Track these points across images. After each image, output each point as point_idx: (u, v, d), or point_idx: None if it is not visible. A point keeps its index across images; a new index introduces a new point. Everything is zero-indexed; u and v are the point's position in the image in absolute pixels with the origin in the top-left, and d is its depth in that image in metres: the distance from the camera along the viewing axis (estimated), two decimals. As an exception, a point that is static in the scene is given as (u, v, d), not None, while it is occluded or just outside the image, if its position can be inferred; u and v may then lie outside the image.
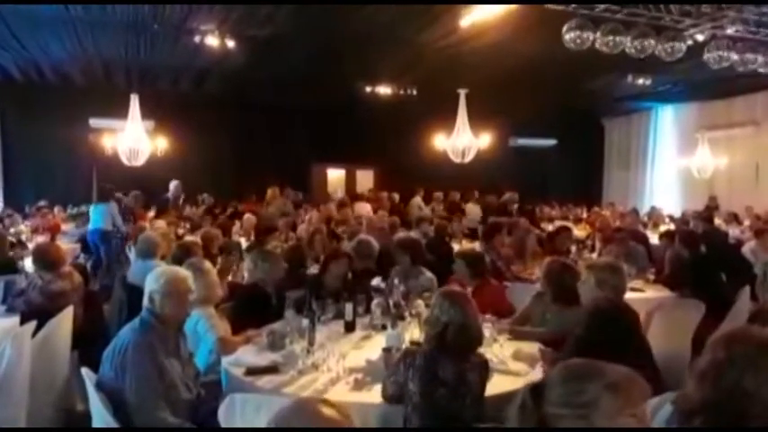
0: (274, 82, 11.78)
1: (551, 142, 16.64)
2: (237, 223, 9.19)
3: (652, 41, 7.14)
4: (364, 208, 11.76)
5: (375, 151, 14.23)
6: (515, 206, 11.24)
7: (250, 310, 3.77)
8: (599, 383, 1.51)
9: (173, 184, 10.98)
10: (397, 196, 12.91)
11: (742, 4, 7.10)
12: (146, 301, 2.82)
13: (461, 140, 11.83)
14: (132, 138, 11.41)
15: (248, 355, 3.17)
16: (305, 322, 3.24)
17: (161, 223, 8.49)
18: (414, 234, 7.93)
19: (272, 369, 2.93)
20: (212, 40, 8.55)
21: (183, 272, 3.01)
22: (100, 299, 4.76)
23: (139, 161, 11.58)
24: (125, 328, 2.78)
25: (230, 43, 8.69)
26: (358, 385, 2.78)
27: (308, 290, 3.69)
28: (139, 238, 5.42)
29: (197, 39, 8.55)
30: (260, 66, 10.47)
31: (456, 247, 7.42)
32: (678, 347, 3.78)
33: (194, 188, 11.82)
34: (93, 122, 12.88)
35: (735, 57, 7.74)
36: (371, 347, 3.30)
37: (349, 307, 3.65)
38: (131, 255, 6.61)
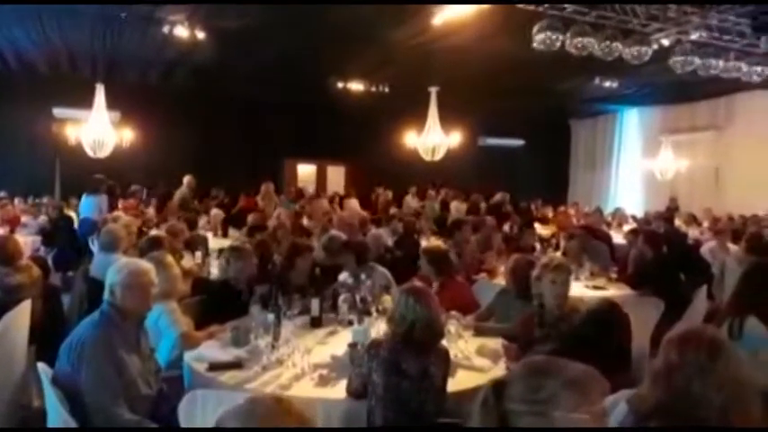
0: (245, 76, 11.65)
1: (519, 142, 16.85)
2: (204, 218, 9.07)
3: (619, 44, 7.28)
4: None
5: (347, 147, 14.20)
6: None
7: (220, 306, 3.72)
8: (557, 380, 1.52)
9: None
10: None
11: (705, 11, 7.29)
12: (106, 294, 2.76)
13: (432, 138, 11.91)
14: (97, 129, 11.15)
15: (211, 350, 3.13)
16: (270, 317, 3.22)
17: (125, 216, 8.31)
18: (383, 231, 7.98)
19: (235, 365, 2.90)
20: (182, 32, 8.39)
21: (146, 264, 2.96)
22: (59, 292, 4.64)
23: (104, 153, 11.32)
24: (83, 322, 2.71)
25: (200, 35, 8.54)
26: (323, 381, 2.77)
27: (274, 285, 3.66)
28: (102, 230, 5.29)
29: (166, 29, 8.37)
30: (230, 59, 10.33)
31: (424, 243, 7.46)
32: (638, 345, 3.86)
33: (160, 181, 11.60)
34: (57, 112, 12.53)
35: (698, 62, 7.95)
36: (337, 343, 3.30)
37: (315, 302, 3.64)
38: (94, 248, 6.46)
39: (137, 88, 12.37)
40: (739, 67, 8.50)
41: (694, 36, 7.92)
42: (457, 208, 11.45)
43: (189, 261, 5.85)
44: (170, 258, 3.58)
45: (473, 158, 15.16)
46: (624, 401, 1.90)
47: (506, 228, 9.14)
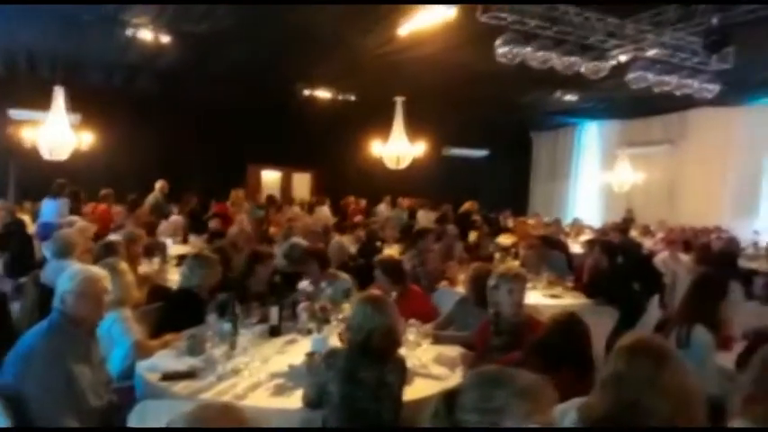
0: (210, 80, 11.52)
1: (483, 153, 17.10)
2: (163, 223, 8.90)
3: (579, 59, 7.49)
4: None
5: (312, 154, 14.16)
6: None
7: (179, 315, 3.64)
8: (508, 390, 1.55)
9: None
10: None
11: (660, 29, 7.55)
12: (56, 302, 2.68)
13: (397, 148, 11.98)
14: (54, 131, 10.84)
15: (165, 359, 3.07)
16: (227, 326, 3.17)
17: (80, 221, 8.10)
18: (346, 239, 7.98)
19: (189, 374, 2.85)
20: (146, 35, 8.27)
21: (100, 271, 2.88)
22: (6, 299, 4.48)
23: (62, 156, 11.01)
24: (31, 331, 2.63)
25: (165, 39, 8.43)
26: (279, 391, 2.74)
27: (232, 293, 3.61)
28: (54, 235, 5.14)
29: (129, 32, 8.24)
30: (195, 63, 10.22)
31: (387, 251, 7.49)
32: (593, 353, 3.95)
33: (121, 187, 11.31)
34: (13, 113, 12.14)
35: (653, 78, 8.23)
36: (296, 352, 3.26)
37: (275, 311, 3.60)
38: (47, 253, 6.26)
39: (99, 91, 12.08)
40: (692, 84, 8.83)
41: (650, 53, 8.20)
42: (424, 216, 11.50)
43: (146, 267, 5.74)
44: (124, 265, 3.51)
45: (438, 168, 15.30)
46: (575, 410, 1.94)
47: (474, 237, 9.23)
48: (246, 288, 3.94)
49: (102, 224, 8.11)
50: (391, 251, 7.48)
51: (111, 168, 11.99)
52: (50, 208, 8.47)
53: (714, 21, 6.38)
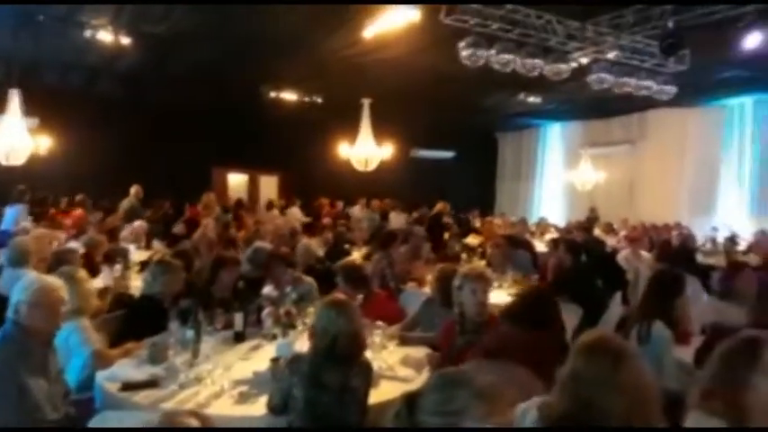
0: (173, 82, 11.33)
1: (450, 154, 17.23)
2: (127, 228, 8.71)
3: (540, 62, 7.62)
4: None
5: (279, 157, 14.03)
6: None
7: (142, 323, 3.56)
8: (468, 391, 1.56)
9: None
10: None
11: (619, 32, 7.74)
12: (10, 312, 2.60)
13: (365, 150, 11.97)
14: (10, 135, 10.50)
15: (126, 369, 3.00)
16: (189, 333, 3.11)
17: (39, 229, 7.88)
18: (315, 242, 7.93)
19: (150, 383, 2.79)
20: (105, 36, 8.09)
21: (55, 281, 2.81)
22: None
23: (19, 160, 10.66)
24: (-18, 343, 2.54)
25: (125, 40, 8.26)
26: (243, 398, 2.71)
27: (195, 299, 3.55)
28: (10, 243, 4.98)
29: (88, 33, 8.05)
30: (157, 64, 10.04)
31: (355, 254, 7.48)
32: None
33: (82, 191, 11.03)
34: (-35, 117, 11.70)
35: (612, 79, 8.43)
36: (261, 358, 3.22)
37: (239, 317, 3.56)
38: (3, 262, 6.06)
39: (57, 93, 11.74)
40: (650, 86, 9.07)
41: (610, 55, 8.40)
42: (396, 218, 11.49)
43: (107, 275, 5.60)
44: (82, 273, 3.41)
45: (405, 170, 15.35)
46: (536, 408, 1.96)
47: (447, 237, 9.24)
48: (210, 294, 3.88)
49: (81, 230, 7.97)
50: (359, 253, 7.48)
51: (71, 173, 11.69)
52: (11, 215, 8.35)
53: (669, 24, 6.56)
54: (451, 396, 1.57)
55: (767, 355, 1.82)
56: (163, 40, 8.57)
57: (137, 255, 6.93)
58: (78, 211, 9.28)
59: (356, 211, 12.86)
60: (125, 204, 9.86)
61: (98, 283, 5.40)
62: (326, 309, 2.60)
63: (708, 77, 10.03)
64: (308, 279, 4.56)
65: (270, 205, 12.61)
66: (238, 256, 4.62)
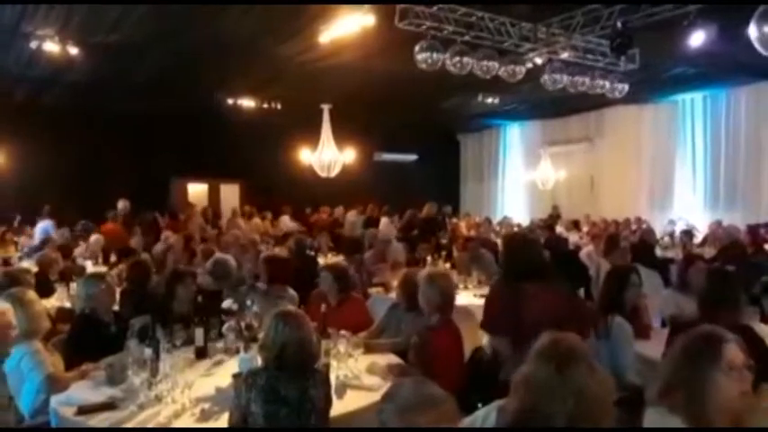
0: (126, 92, 11.07)
1: (412, 157, 17.30)
2: (82, 245, 8.47)
3: (495, 63, 7.71)
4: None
5: (240, 165, 13.85)
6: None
7: (85, 341, 3.45)
8: (390, 405, 1.59)
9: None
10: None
11: (570, 32, 7.89)
12: (-46, 341, 2.48)
13: (326, 155, 11.92)
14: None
15: (82, 391, 2.90)
16: (148, 351, 3.02)
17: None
18: (278, 250, 7.85)
19: (108, 405, 2.70)
20: (52, 47, 7.86)
21: (2, 304, 2.69)
22: None
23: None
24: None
25: (73, 50, 8.04)
26: (204, 416, 2.64)
27: (153, 316, 3.45)
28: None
29: (34, 45, 7.80)
30: (109, 74, 9.79)
31: (321, 261, 7.44)
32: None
33: (34, 207, 10.67)
34: None
35: (566, 79, 8.59)
36: (224, 374, 3.15)
37: (199, 332, 3.47)
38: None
39: (3, 106, 11.38)
40: (603, 85, 9.28)
41: (564, 56, 8.55)
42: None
43: (62, 294, 5.43)
44: (31, 294, 3.28)
45: (369, 173, 15.35)
46: (495, 410, 1.96)
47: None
48: (168, 310, 3.77)
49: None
50: (326, 261, 7.44)
51: (21, 188, 11.34)
52: None
53: (618, 24, 6.73)
54: (383, 408, 1.60)
55: (728, 353, 1.84)
56: (114, 50, 8.37)
57: (94, 271, 6.74)
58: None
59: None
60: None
61: (53, 302, 5.26)
62: (274, 320, 2.56)
63: (658, 75, 10.32)
64: (291, 291, 4.54)
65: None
66: (194, 270, 4.52)
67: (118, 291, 4.29)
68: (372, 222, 11.49)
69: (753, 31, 5.57)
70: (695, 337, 1.93)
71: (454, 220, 13.53)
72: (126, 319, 3.65)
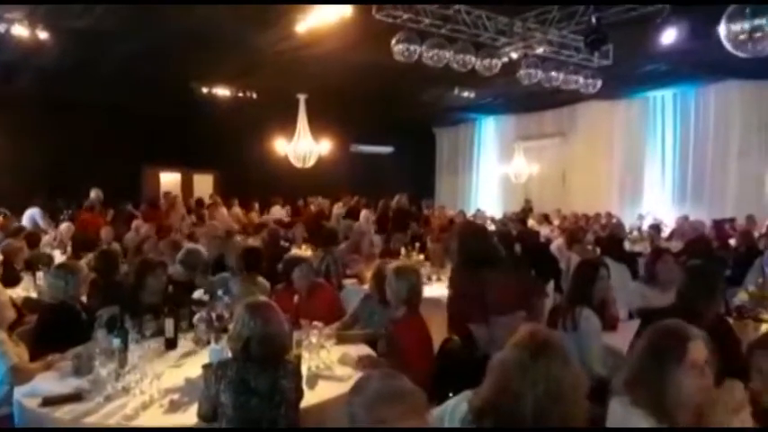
0: (98, 79, 10.80)
1: (388, 149, 17.31)
2: (51, 233, 8.29)
3: (472, 57, 7.75)
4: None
5: (214, 155, 13.68)
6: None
7: (60, 331, 3.39)
8: (358, 399, 1.61)
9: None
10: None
11: (546, 27, 7.97)
12: None
13: (302, 146, 11.84)
14: None
15: (47, 383, 2.85)
16: (116, 342, 2.98)
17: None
18: (251, 241, 7.79)
19: (74, 397, 2.66)
20: (21, 31, 7.65)
21: (-36, 295, 2.63)
22: None
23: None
24: None
25: (43, 35, 7.83)
26: (173, 407, 2.62)
27: (121, 306, 3.40)
28: None
29: (2, 27, 7.58)
30: (80, 61, 9.54)
31: (295, 251, 7.40)
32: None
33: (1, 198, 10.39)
34: None
35: (541, 74, 8.68)
36: (193, 365, 3.12)
37: (170, 323, 3.44)
38: None
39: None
40: (577, 80, 9.40)
41: (539, 51, 8.63)
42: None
43: (29, 283, 5.32)
44: (-5, 284, 3.21)
45: (345, 165, 15.29)
46: (465, 401, 1.98)
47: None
48: (138, 300, 3.72)
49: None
50: (300, 252, 7.40)
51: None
52: None
53: (593, 20, 6.81)
54: (351, 401, 1.62)
55: (692, 351, 1.88)
56: (85, 36, 8.16)
57: (64, 261, 6.60)
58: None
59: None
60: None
61: (20, 292, 5.15)
62: (242, 311, 2.55)
63: (630, 71, 10.47)
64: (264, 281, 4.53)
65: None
66: (164, 260, 4.46)
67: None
68: (354, 214, 11.47)
69: (723, 29, 5.69)
70: (662, 334, 1.97)
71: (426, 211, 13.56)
72: (94, 310, 3.58)
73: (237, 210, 12.42)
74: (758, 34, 5.55)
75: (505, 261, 3.67)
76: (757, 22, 5.53)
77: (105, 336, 3.14)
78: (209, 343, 3.40)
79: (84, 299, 3.88)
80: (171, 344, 3.45)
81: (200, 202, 12.01)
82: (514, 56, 8.63)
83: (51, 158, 11.89)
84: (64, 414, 2.54)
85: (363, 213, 11.46)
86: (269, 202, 13.44)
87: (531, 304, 4.02)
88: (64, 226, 8.55)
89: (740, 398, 1.99)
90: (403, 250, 6.96)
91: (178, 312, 3.51)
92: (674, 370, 1.86)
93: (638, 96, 13.29)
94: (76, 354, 3.03)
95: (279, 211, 12.26)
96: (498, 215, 12.92)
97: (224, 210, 11.70)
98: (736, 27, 5.64)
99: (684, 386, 1.85)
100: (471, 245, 3.75)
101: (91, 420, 2.49)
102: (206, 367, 2.84)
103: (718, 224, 9.56)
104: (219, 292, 3.74)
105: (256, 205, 13.22)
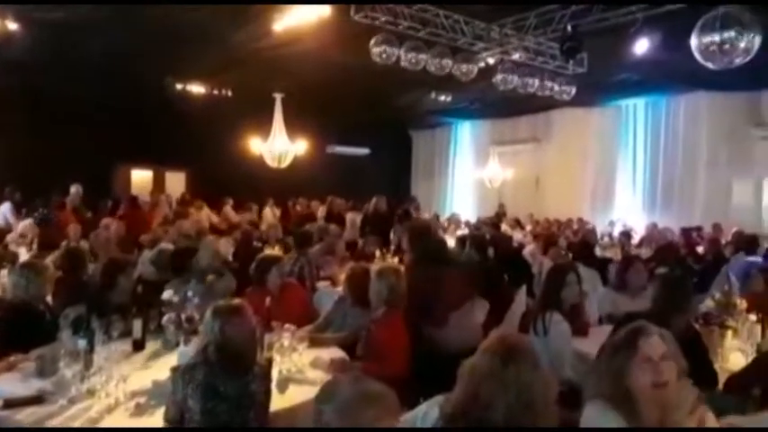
0: (68, 73, 10.57)
1: (365, 151, 17.29)
2: (19, 229, 8.06)
3: (449, 61, 7.79)
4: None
5: (187, 152, 13.44)
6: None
7: (19, 331, 3.29)
8: (330, 406, 1.59)
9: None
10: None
11: (522, 33, 8.05)
12: None
13: (278, 145, 11.74)
14: None
15: (9, 384, 2.76)
16: (82, 343, 2.90)
17: None
18: (224, 242, 7.69)
19: (36, 399, 2.59)
20: (-11, 20, 7.45)
21: None
22: None
23: None
24: None
25: (12, 25, 7.63)
26: (139, 410, 2.57)
27: (88, 306, 3.31)
28: None
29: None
30: (50, 54, 9.32)
31: (268, 251, 7.32)
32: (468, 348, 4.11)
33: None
34: None
35: (517, 80, 8.77)
36: (161, 367, 3.06)
37: (137, 323, 3.37)
38: None
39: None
40: (552, 87, 9.52)
41: (515, 56, 8.72)
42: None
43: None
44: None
45: (320, 166, 15.20)
46: (437, 405, 1.98)
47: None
48: (106, 300, 3.63)
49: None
50: (273, 252, 7.33)
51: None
52: None
53: (569, 27, 6.91)
54: (320, 409, 1.60)
55: (645, 346, 1.92)
56: (58, 28, 7.97)
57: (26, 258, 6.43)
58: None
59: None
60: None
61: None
62: (209, 315, 2.50)
63: (604, 79, 10.66)
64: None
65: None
66: (132, 259, 4.37)
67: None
68: (333, 217, 11.24)
69: (694, 41, 5.82)
70: (622, 332, 2.05)
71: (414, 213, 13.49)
72: (59, 309, 3.49)
73: (207, 210, 12.21)
74: (727, 46, 5.70)
75: (455, 255, 3.86)
76: (726, 34, 5.68)
77: (71, 336, 3.06)
78: (177, 345, 3.34)
79: (49, 298, 3.78)
80: (138, 345, 3.37)
81: (184, 200, 11.79)
82: (491, 61, 8.71)
83: (19, 153, 11.57)
84: (26, 416, 2.47)
85: (349, 217, 11.34)
86: (260, 204, 13.22)
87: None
88: (25, 223, 8.32)
89: (692, 398, 2.03)
90: (378, 252, 6.95)
91: (147, 313, 3.44)
92: (625, 363, 1.92)
93: (611, 104, 13.52)
94: (40, 355, 2.95)
95: (269, 213, 12.10)
96: (473, 219, 13.00)
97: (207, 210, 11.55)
98: (707, 39, 5.78)
99: (635, 379, 1.89)
100: (419, 241, 3.89)
101: (53, 423, 2.42)
102: (174, 370, 2.79)
103: (686, 232, 9.77)
104: (189, 293, 3.67)
105: (231, 202, 13.00)
